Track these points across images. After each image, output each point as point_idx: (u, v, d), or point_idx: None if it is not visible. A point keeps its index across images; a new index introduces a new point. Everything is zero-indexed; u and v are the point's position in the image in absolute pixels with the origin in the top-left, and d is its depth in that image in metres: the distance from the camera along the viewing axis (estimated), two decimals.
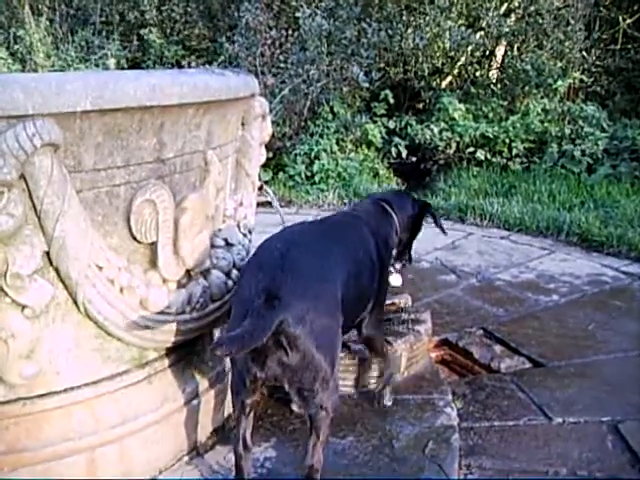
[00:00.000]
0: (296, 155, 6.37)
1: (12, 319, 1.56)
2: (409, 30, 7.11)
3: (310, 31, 6.47)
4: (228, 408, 2.22)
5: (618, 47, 8.10)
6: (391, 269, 2.40)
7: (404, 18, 7.14)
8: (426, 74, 7.45)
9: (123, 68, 7.14)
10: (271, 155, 5.84)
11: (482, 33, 7.27)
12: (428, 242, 4.53)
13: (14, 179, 1.45)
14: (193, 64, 7.46)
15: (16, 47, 7.13)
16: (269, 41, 6.70)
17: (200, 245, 1.90)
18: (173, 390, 2.00)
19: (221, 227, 2.10)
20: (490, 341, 2.97)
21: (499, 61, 7.83)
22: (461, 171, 6.59)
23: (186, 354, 2.08)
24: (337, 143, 6.55)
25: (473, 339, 2.97)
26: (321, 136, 6.51)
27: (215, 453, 2.05)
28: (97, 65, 7.09)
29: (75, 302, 1.65)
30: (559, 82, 7.00)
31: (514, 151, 6.65)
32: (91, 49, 7.53)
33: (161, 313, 1.81)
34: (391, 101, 7.03)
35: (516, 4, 7.55)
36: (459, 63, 7.60)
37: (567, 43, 7.28)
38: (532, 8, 7.30)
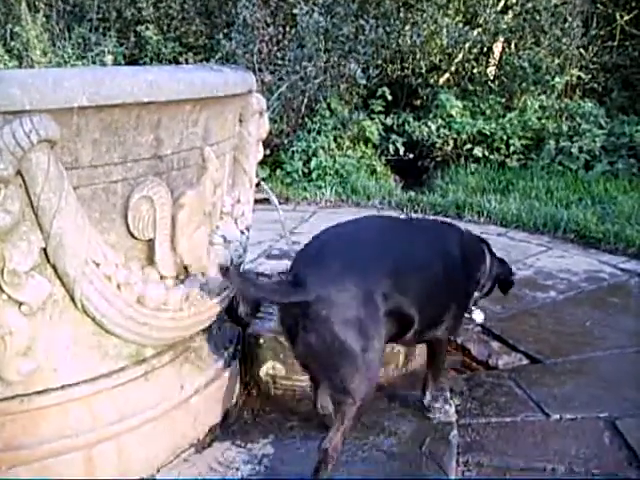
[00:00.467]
0: (293, 152, 6.36)
1: (9, 316, 1.56)
2: (406, 27, 7.10)
3: (307, 28, 6.45)
4: (226, 405, 2.22)
5: (615, 44, 8.10)
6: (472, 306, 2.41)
7: (401, 15, 7.13)
8: (423, 71, 7.44)
9: (120, 65, 7.12)
10: (268, 152, 5.83)
11: (479, 30, 7.26)
12: None
13: (11, 175, 1.44)
14: (190, 61, 7.45)
15: (12, 44, 7.10)
16: (266, 38, 6.68)
17: (197, 242, 1.90)
18: (171, 387, 2.00)
19: (218, 224, 2.10)
20: (487, 338, 2.97)
21: (496, 58, 7.82)
22: (458, 168, 6.58)
23: (184, 351, 2.08)
24: (334, 140, 6.54)
25: (470, 336, 2.96)
26: (318, 133, 6.49)
27: (213, 450, 2.05)
28: (94, 62, 7.06)
29: (72, 299, 1.65)
30: (556, 79, 7.00)
31: (511, 148, 6.65)
32: (88, 46, 7.49)
33: (158, 310, 1.81)
34: (388, 98, 7.01)
35: (513, 1, 7.54)
36: (456, 60, 7.59)
37: (564, 40, 7.28)
38: (529, 5, 7.28)
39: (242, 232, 2.21)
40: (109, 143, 1.61)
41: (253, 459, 1.99)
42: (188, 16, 8.12)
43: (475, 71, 7.77)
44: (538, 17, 7.26)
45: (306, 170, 6.27)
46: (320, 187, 6.01)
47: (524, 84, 7.11)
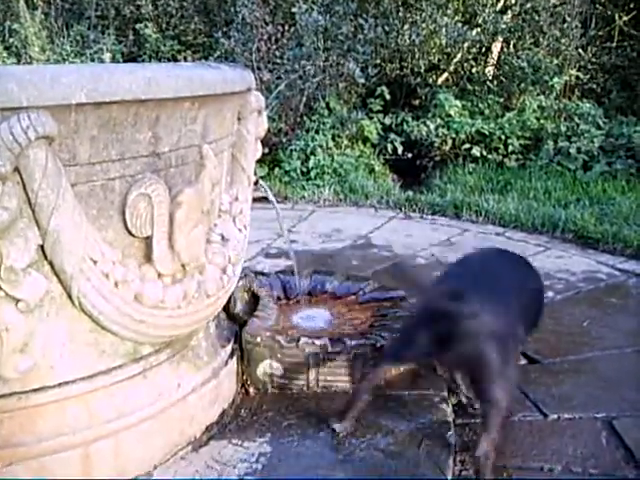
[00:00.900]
0: (292, 151, 6.35)
1: (6, 313, 1.55)
2: (405, 26, 7.10)
3: (306, 27, 6.45)
4: (223, 403, 2.22)
5: (614, 44, 8.11)
6: None
7: (400, 14, 7.12)
8: (422, 70, 7.44)
9: (118, 62, 7.11)
10: (267, 150, 5.83)
11: (478, 30, 7.26)
12: (424, 238, 4.54)
13: (8, 172, 1.44)
14: (189, 59, 7.44)
15: (11, 41, 7.09)
16: (265, 36, 6.67)
17: (195, 240, 1.89)
18: (168, 385, 1.99)
19: (216, 222, 2.10)
20: None
21: (495, 58, 7.83)
22: (457, 168, 6.59)
23: (181, 349, 2.07)
24: (333, 139, 6.53)
25: None
26: (317, 132, 6.49)
27: (210, 448, 2.04)
28: (92, 59, 7.05)
29: (69, 296, 1.64)
30: (555, 79, 7.00)
31: (510, 148, 6.65)
32: (86, 43, 7.49)
33: (156, 307, 1.81)
34: (387, 97, 7.01)
35: (512, 1, 7.55)
36: (455, 60, 7.59)
37: (563, 40, 7.29)
38: (528, 5, 7.29)
39: (240, 230, 2.21)
40: (107, 140, 1.60)
41: (250, 457, 1.98)
42: (187, 14, 8.11)
43: (474, 71, 7.77)
44: (537, 17, 7.27)
45: (304, 169, 6.26)
46: (318, 186, 6.01)
47: (523, 84, 7.12)
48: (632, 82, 7.92)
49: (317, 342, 2.31)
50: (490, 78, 7.70)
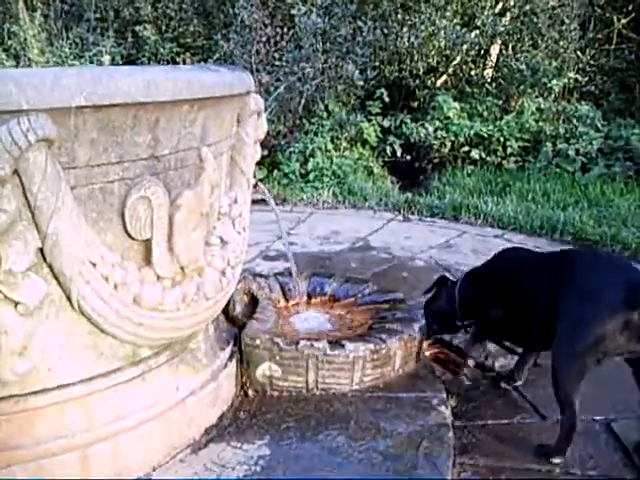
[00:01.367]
0: (291, 153, 6.36)
1: (5, 315, 1.55)
2: (404, 29, 7.12)
3: (305, 29, 6.45)
4: (222, 406, 2.22)
5: (613, 47, 8.12)
6: None
7: (399, 17, 7.14)
8: (421, 73, 7.45)
9: (118, 65, 7.11)
10: (266, 153, 5.83)
11: (477, 32, 7.27)
12: (422, 240, 4.54)
13: (7, 175, 1.44)
14: (188, 61, 7.44)
15: (10, 43, 7.09)
16: (264, 39, 6.68)
17: (194, 242, 1.89)
18: (167, 387, 2.00)
19: (216, 225, 2.10)
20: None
21: (494, 60, 7.84)
22: (455, 170, 6.60)
23: (180, 352, 2.07)
24: (332, 141, 6.54)
25: (467, 338, 2.96)
26: (316, 134, 6.50)
27: (209, 451, 2.04)
28: (92, 62, 7.05)
29: (69, 299, 1.64)
30: (554, 81, 7.01)
31: (508, 150, 6.66)
32: (85, 46, 7.49)
33: (155, 310, 1.81)
34: (386, 100, 7.02)
35: (511, 3, 7.56)
36: (454, 62, 7.61)
37: (562, 43, 7.30)
38: (527, 7, 7.31)
39: (239, 233, 2.21)
40: (106, 143, 1.61)
41: (249, 460, 1.98)
42: (186, 16, 8.12)
43: (472, 73, 7.78)
44: (535, 20, 7.28)
45: (303, 171, 6.27)
46: (317, 188, 6.01)
47: (521, 86, 7.13)
48: (630, 84, 7.93)
49: (316, 344, 2.31)
50: (489, 80, 7.72)
